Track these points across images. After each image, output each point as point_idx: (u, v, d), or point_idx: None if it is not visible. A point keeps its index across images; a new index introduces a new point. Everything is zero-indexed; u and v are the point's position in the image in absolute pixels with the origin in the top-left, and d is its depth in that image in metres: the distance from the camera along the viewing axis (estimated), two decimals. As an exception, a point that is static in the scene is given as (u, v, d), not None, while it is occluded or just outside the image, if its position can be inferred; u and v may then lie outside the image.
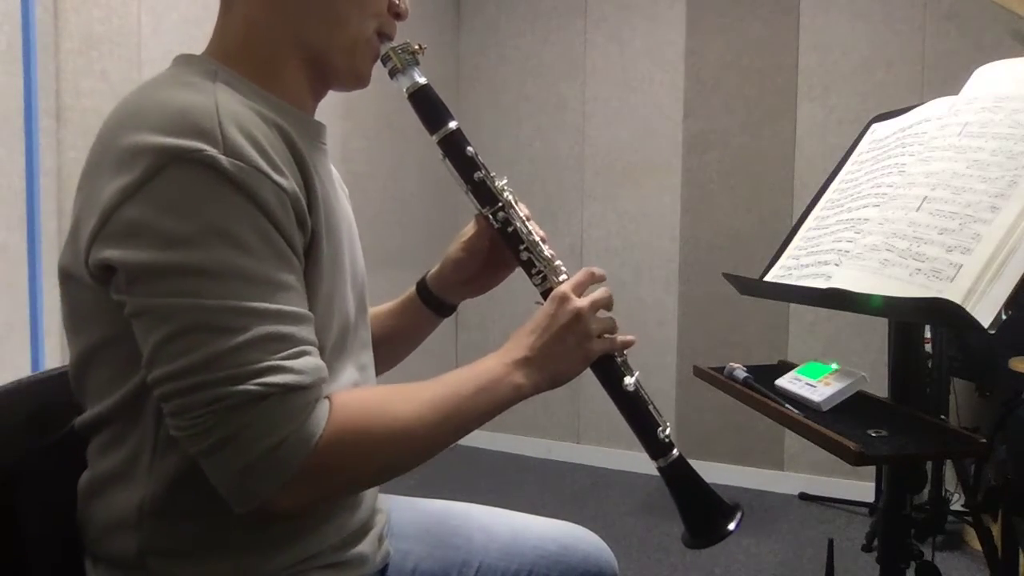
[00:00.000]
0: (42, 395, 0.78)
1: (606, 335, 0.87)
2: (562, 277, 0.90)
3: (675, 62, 3.25)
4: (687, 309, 3.26)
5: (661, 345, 3.29)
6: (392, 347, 1.04)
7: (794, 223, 1.22)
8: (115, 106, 0.70)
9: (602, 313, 0.87)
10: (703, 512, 0.89)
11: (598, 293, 0.87)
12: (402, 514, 1.01)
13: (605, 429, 3.42)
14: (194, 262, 0.63)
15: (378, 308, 1.07)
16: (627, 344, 0.89)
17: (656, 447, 0.88)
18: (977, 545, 2.34)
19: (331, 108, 2.85)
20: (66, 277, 0.73)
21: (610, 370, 0.88)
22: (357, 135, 2.98)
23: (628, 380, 0.88)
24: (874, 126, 1.20)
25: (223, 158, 0.63)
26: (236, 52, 0.77)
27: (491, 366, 0.81)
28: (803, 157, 3.04)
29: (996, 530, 1.73)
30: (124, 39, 2.04)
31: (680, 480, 0.89)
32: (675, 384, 3.26)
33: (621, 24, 3.35)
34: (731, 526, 0.86)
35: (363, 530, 0.86)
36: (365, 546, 0.85)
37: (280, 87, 0.78)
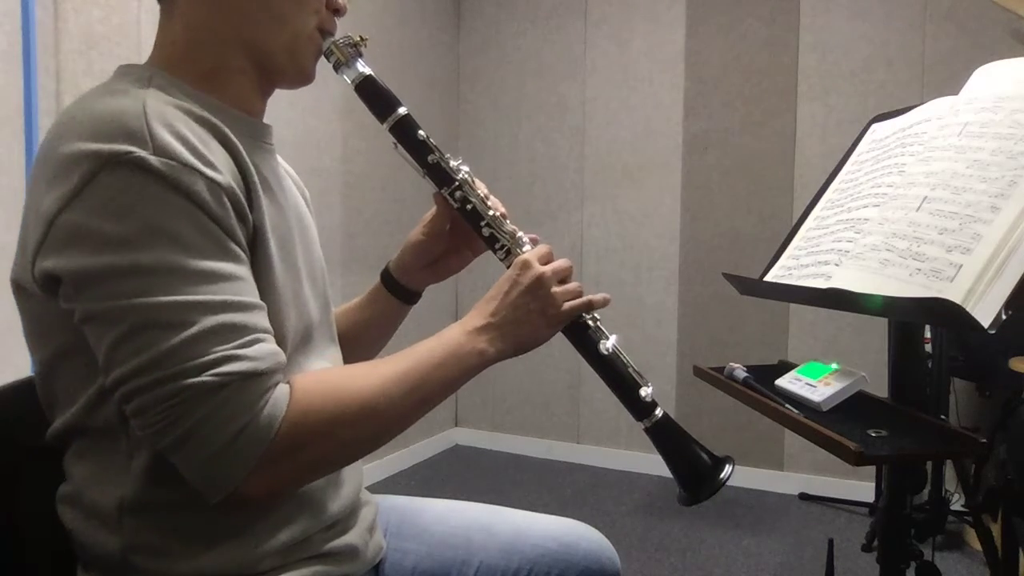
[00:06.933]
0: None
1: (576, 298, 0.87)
2: (526, 248, 0.90)
3: (675, 62, 3.25)
4: (687, 309, 3.26)
5: (661, 345, 3.28)
6: (364, 340, 1.04)
7: (794, 223, 1.22)
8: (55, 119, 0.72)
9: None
10: (694, 468, 0.89)
11: (559, 263, 0.87)
12: (402, 514, 1.01)
13: (605, 429, 3.41)
14: (135, 262, 0.63)
15: (347, 304, 1.07)
16: (599, 303, 0.88)
17: (639, 408, 0.88)
18: (977, 545, 2.33)
19: (331, 108, 2.85)
20: (18, 289, 0.73)
21: (584, 336, 0.88)
22: (357, 135, 2.98)
23: (605, 343, 0.88)
24: (874, 126, 1.20)
25: (152, 158, 0.64)
26: (178, 58, 0.78)
27: (454, 335, 0.81)
28: (803, 157, 3.04)
29: (996, 530, 1.73)
30: (124, 39, 2.04)
31: (667, 439, 0.89)
32: (675, 384, 3.26)
33: (621, 24, 3.35)
34: (722, 475, 0.86)
35: (349, 519, 0.87)
36: (354, 537, 0.85)
37: (223, 90, 0.79)
